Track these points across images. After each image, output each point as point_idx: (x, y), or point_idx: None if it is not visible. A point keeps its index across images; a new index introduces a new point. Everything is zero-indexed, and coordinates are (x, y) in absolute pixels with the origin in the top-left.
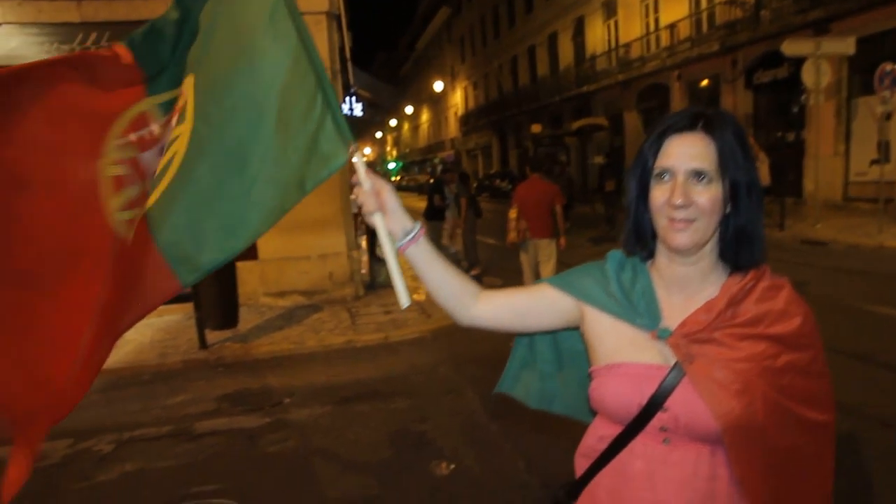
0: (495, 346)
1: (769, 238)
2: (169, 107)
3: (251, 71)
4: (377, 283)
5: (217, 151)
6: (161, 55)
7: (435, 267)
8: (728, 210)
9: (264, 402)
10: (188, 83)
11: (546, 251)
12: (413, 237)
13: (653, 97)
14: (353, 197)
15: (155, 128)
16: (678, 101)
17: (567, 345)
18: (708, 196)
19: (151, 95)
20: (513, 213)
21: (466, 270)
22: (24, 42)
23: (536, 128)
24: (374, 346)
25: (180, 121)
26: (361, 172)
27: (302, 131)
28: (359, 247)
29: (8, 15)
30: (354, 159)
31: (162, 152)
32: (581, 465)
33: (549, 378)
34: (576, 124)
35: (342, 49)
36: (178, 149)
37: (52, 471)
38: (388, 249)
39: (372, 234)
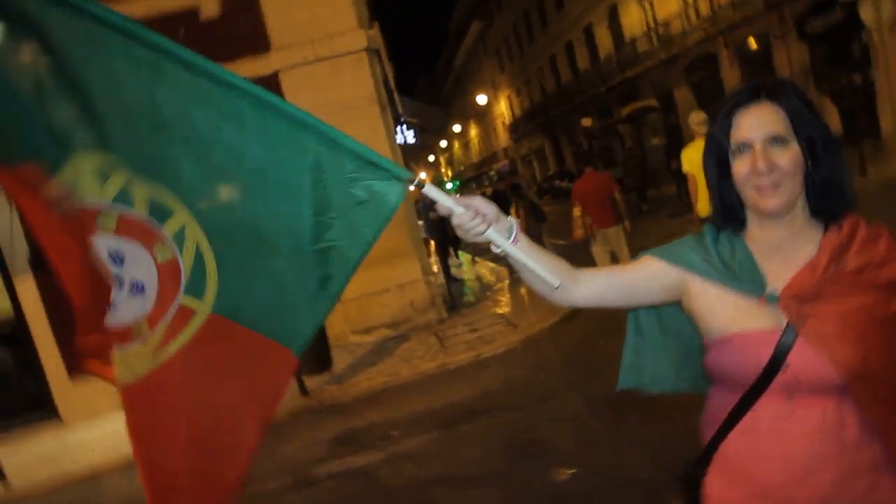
0: (585, 346)
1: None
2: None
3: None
4: (458, 302)
5: (249, 229)
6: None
7: (537, 254)
8: (809, 167)
9: (372, 438)
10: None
11: (616, 239)
12: (516, 231)
13: (700, 69)
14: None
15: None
16: (727, 68)
17: (671, 321)
18: (788, 157)
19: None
20: (577, 211)
21: (511, 274)
22: None
23: (586, 122)
24: (466, 366)
25: (161, 215)
26: (444, 199)
27: (328, 194)
28: (433, 271)
29: None
30: (428, 190)
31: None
32: (708, 433)
33: (662, 358)
34: (626, 110)
35: (386, 81)
36: (195, 239)
37: None
38: (509, 249)
39: (442, 257)
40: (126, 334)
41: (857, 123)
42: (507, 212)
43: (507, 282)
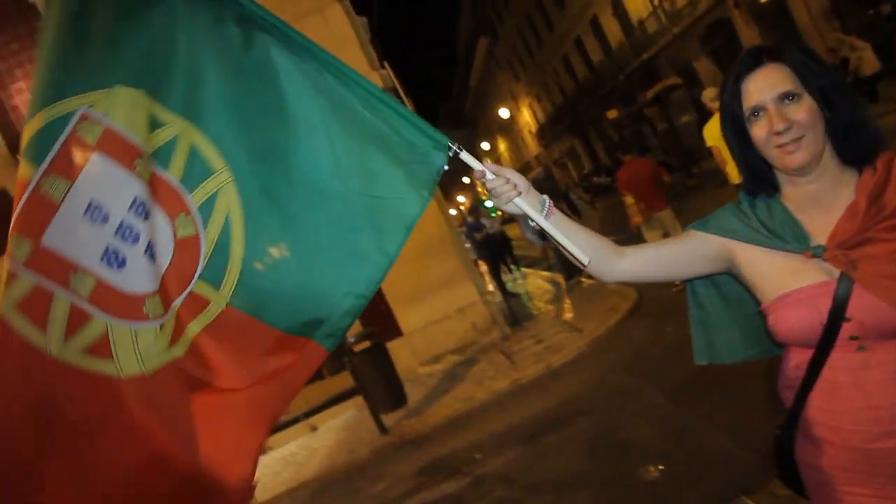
0: (652, 338)
1: None
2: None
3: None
4: (519, 317)
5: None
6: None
7: (574, 230)
8: (827, 115)
9: (457, 463)
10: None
11: (670, 221)
12: (549, 207)
13: (716, 37)
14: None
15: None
16: (744, 29)
17: (729, 289)
18: (803, 111)
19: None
20: (629, 199)
21: (567, 280)
22: None
23: (612, 113)
24: (538, 378)
25: (198, 173)
26: (479, 165)
27: (381, 150)
28: (489, 290)
29: None
30: (464, 156)
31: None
32: (787, 396)
33: (728, 327)
34: (649, 94)
35: None
36: (227, 206)
37: None
38: (542, 222)
39: (495, 274)
40: (137, 307)
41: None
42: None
43: (564, 288)
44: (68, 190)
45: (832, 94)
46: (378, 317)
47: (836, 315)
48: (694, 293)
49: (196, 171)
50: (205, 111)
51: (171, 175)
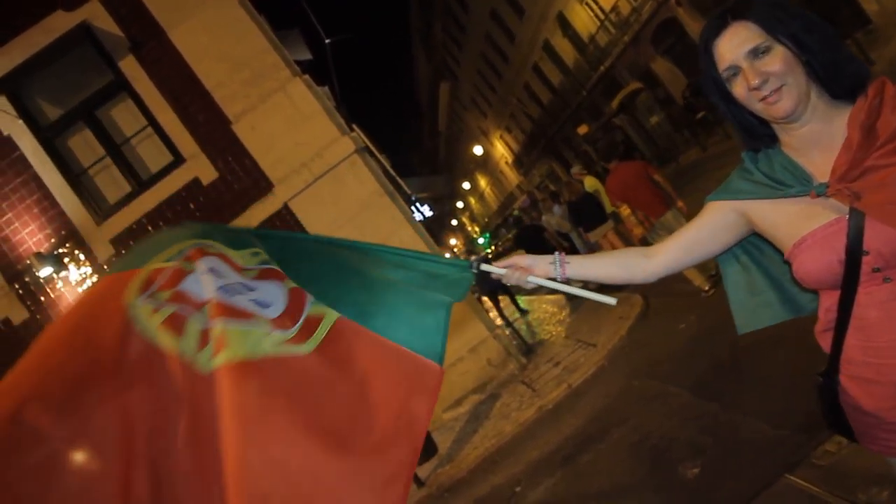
0: (666, 338)
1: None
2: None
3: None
4: (531, 344)
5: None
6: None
7: (593, 265)
8: (804, 59)
9: (501, 500)
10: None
11: (677, 222)
12: (561, 264)
13: (667, 36)
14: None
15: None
16: (690, 22)
17: (759, 250)
18: (776, 61)
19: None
20: (625, 210)
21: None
22: None
23: (583, 129)
24: (563, 400)
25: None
26: (493, 269)
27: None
28: (497, 325)
29: None
30: (484, 268)
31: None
32: (825, 340)
33: (765, 289)
34: (614, 103)
35: (386, 171)
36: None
37: None
38: (565, 289)
39: (497, 307)
40: (243, 313)
41: (841, 18)
42: (541, 240)
43: (568, 308)
44: (195, 267)
45: (804, 37)
46: None
47: (854, 249)
48: (727, 263)
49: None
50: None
51: (277, 266)
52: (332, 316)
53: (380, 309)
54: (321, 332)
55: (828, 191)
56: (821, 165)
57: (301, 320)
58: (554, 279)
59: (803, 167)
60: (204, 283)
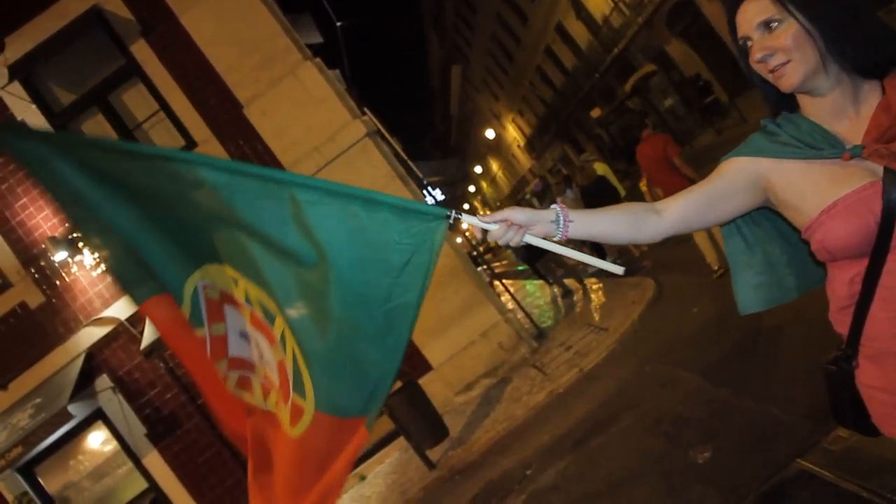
0: (679, 322)
1: None
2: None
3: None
4: (542, 328)
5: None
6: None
7: (600, 222)
8: (818, 34)
9: (510, 483)
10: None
11: None
12: (564, 220)
13: (682, 17)
14: (494, 240)
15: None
16: (706, 4)
17: (768, 223)
18: (786, 35)
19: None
20: (643, 184)
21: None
22: None
23: (596, 112)
24: (574, 384)
25: (270, 318)
26: (478, 223)
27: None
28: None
29: None
30: (464, 222)
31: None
32: (842, 320)
33: (777, 264)
34: (628, 86)
35: (397, 154)
36: (292, 344)
37: None
38: (563, 251)
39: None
40: (251, 365)
41: None
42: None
43: (580, 290)
44: (225, 327)
45: (819, 11)
46: (405, 356)
47: (889, 212)
48: (733, 236)
49: (267, 315)
50: (253, 268)
51: (259, 312)
52: (309, 412)
53: (331, 377)
54: (304, 425)
55: (864, 152)
56: (850, 131)
57: (289, 403)
58: (551, 239)
59: (833, 132)
60: (241, 345)
